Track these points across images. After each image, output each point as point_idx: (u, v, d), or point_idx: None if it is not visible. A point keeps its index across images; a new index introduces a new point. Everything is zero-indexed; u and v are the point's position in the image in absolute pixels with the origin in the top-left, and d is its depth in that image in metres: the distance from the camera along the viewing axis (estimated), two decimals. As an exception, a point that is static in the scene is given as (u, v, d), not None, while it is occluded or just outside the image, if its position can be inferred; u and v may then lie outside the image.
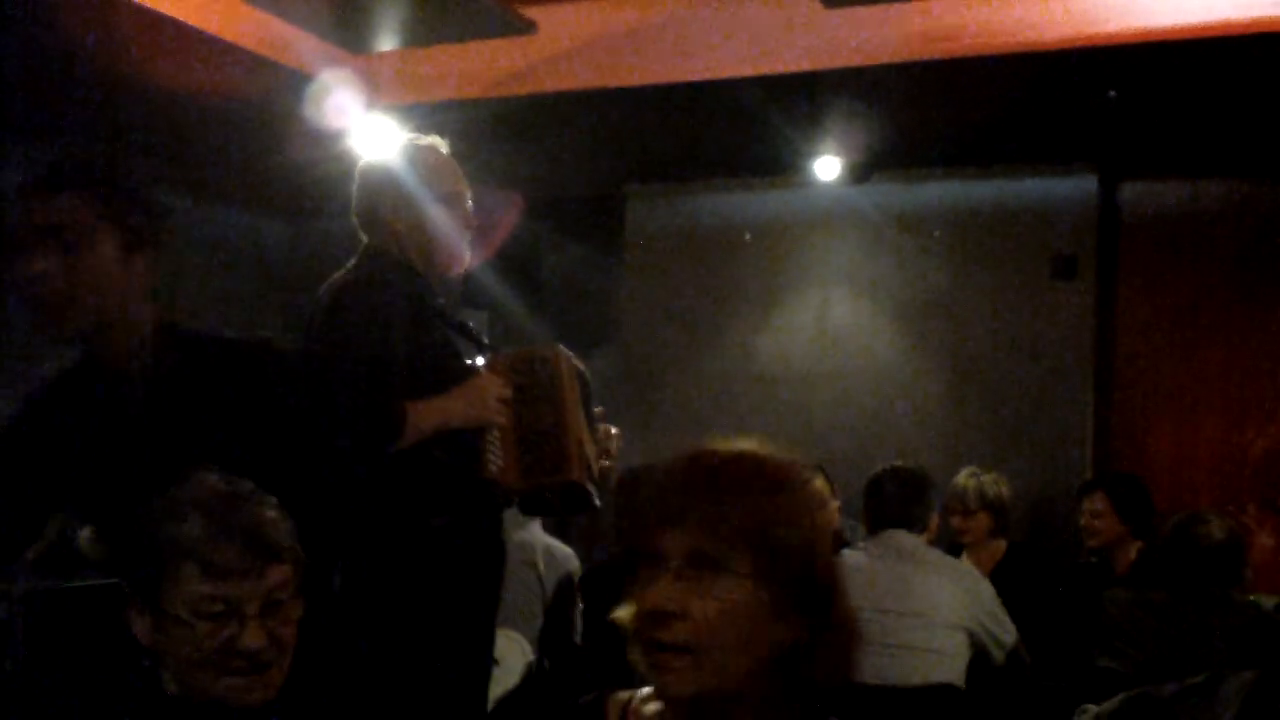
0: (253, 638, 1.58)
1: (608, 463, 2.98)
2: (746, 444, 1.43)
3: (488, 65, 4.63)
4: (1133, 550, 4.61)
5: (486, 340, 2.93)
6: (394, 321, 2.64)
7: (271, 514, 1.65)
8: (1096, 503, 4.65)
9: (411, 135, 2.90)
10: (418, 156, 2.81)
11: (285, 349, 2.36)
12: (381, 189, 2.80)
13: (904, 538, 3.63)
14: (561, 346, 2.84)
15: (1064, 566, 4.84)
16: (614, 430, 3.05)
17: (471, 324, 2.92)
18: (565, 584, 4.31)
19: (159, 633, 1.61)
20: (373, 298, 2.66)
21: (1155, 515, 4.64)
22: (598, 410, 3.00)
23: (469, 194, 2.84)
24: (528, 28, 4.30)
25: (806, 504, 1.38)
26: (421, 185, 2.76)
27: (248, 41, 4.27)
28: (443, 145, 2.87)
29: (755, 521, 1.31)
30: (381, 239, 2.79)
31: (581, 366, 2.90)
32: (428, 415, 2.61)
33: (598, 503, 2.83)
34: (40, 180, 2.10)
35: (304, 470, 2.16)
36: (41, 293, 2.05)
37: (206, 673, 1.59)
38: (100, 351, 2.15)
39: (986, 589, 3.69)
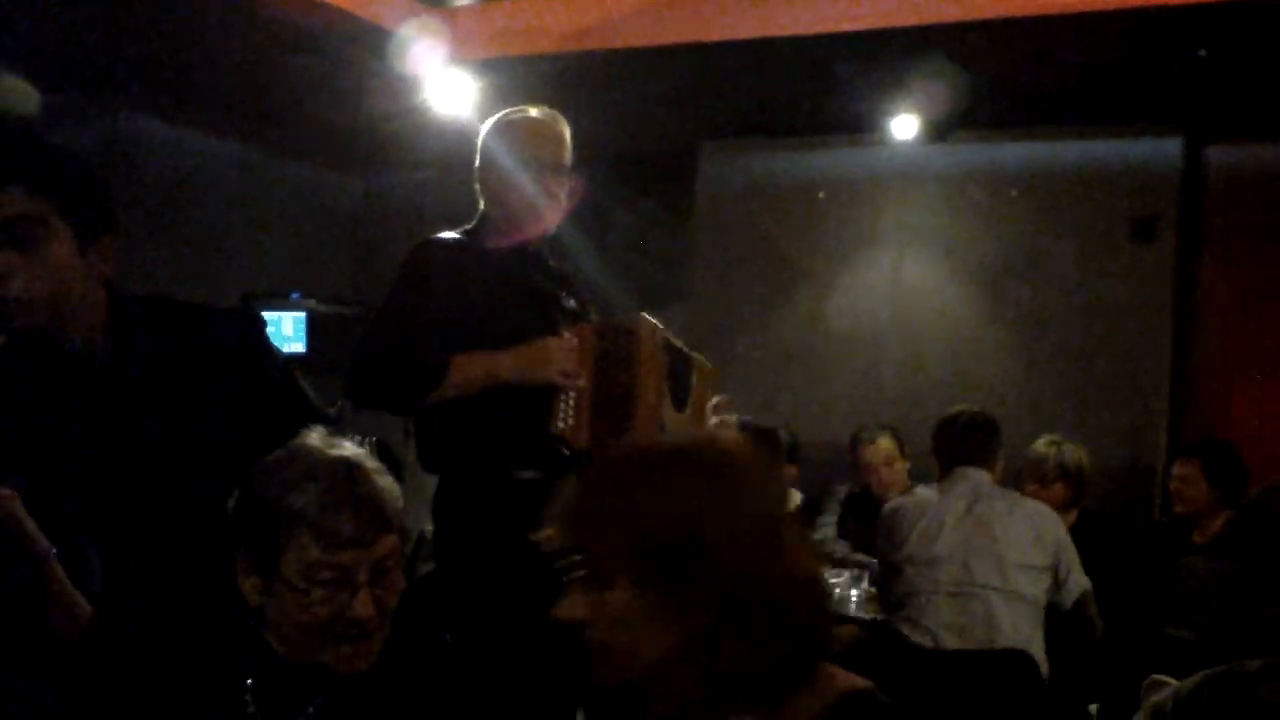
0: (363, 606, 1.61)
1: None
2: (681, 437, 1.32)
3: (564, 20, 4.61)
4: (1220, 519, 4.54)
5: (593, 317, 2.97)
6: (451, 276, 2.73)
7: (383, 482, 1.67)
8: (1189, 468, 4.57)
9: (518, 107, 2.97)
10: (509, 122, 2.91)
11: (243, 314, 2.31)
12: (480, 155, 2.92)
13: (976, 474, 3.72)
14: (648, 319, 2.87)
15: (1141, 527, 4.79)
16: (733, 418, 3.05)
17: (571, 302, 2.95)
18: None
19: (268, 595, 1.65)
20: (437, 252, 2.77)
21: (1247, 486, 4.57)
22: (717, 400, 3.01)
23: (556, 159, 2.88)
24: (605, -18, 4.28)
25: (697, 489, 1.24)
26: (505, 152, 2.86)
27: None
28: (544, 115, 2.92)
29: (621, 519, 1.23)
30: (483, 202, 2.92)
31: (674, 341, 2.92)
32: (474, 367, 2.68)
33: None
34: None
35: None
36: None
37: (316, 638, 1.62)
38: (55, 336, 2.06)
39: (1061, 527, 3.73)
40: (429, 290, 2.71)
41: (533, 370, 2.71)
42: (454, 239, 2.83)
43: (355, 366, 2.72)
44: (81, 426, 2.09)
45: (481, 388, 2.69)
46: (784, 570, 1.25)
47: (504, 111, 2.95)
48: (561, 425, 2.73)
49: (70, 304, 2.02)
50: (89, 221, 2.02)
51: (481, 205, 2.92)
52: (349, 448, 1.71)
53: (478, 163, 2.92)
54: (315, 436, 1.71)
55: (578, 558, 1.27)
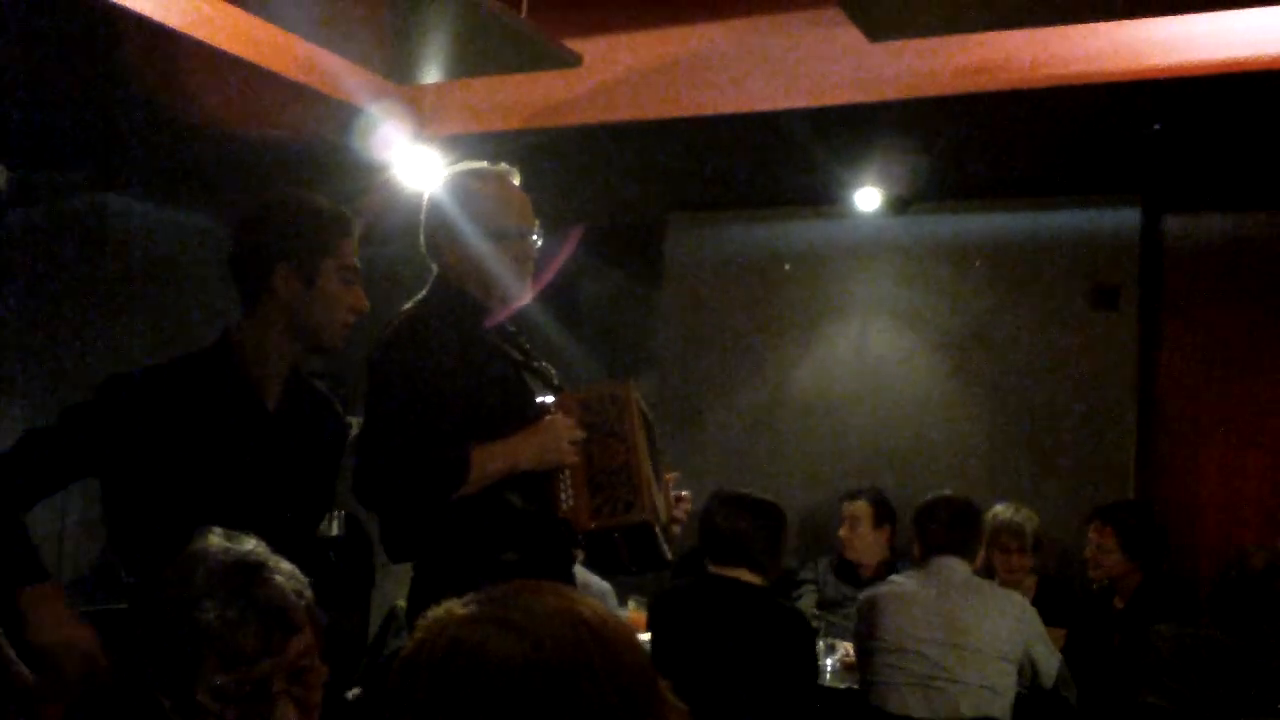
0: (283, 715, 1.55)
1: (677, 529, 2.87)
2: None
3: (533, 96, 4.66)
4: (1135, 581, 4.55)
5: (557, 382, 2.85)
6: (450, 360, 2.58)
7: (285, 581, 1.61)
8: (1104, 538, 4.56)
9: (470, 165, 2.82)
10: (471, 187, 2.77)
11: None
12: (437, 221, 2.76)
13: (955, 565, 3.72)
14: (633, 384, 2.79)
15: (1076, 593, 4.81)
16: (685, 494, 2.94)
17: (541, 363, 2.86)
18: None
19: (187, 715, 1.57)
20: (428, 336, 2.61)
21: (1166, 548, 4.60)
22: (670, 476, 2.92)
23: (529, 227, 2.77)
24: (574, 61, 4.33)
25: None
26: (472, 218, 2.71)
27: (293, 72, 4.31)
28: (504, 175, 2.81)
29: None
30: (443, 270, 2.77)
31: (648, 411, 2.86)
32: (495, 458, 2.55)
33: (669, 557, 2.74)
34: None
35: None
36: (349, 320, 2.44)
37: None
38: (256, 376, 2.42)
39: (1034, 616, 3.74)
40: (433, 377, 2.55)
41: (545, 455, 2.60)
42: (439, 311, 2.68)
43: (368, 468, 2.53)
44: (247, 463, 2.36)
45: (500, 478, 2.56)
46: None
47: (457, 169, 2.81)
48: (565, 507, 2.63)
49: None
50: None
51: (438, 273, 2.77)
52: (247, 546, 1.65)
53: (435, 229, 2.75)
54: (214, 537, 1.65)
55: None
